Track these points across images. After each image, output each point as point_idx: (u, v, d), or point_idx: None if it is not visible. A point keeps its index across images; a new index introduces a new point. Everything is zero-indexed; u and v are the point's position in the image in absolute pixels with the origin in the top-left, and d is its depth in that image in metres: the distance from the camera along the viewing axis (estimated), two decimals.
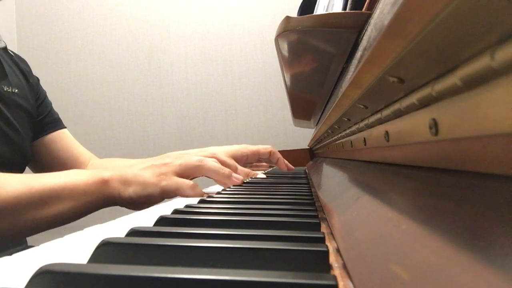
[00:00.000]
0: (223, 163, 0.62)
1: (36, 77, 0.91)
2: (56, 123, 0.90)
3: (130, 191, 0.53)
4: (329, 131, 0.64)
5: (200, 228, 0.26)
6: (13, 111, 0.77)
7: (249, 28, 1.76)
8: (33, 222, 0.47)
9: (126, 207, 0.55)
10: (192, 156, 0.60)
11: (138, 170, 0.56)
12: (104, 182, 0.52)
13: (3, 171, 0.48)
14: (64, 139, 0.89)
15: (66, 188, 0.48)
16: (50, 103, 0.92)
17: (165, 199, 0.56)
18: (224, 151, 0.72)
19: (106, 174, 0.52)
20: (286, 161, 0.85)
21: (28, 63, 0.92)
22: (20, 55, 0.90)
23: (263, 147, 0.81)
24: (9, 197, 0.45)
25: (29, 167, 0.87)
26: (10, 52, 0.86)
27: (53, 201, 0.47)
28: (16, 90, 0.79)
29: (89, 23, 1.86)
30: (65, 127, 0.93)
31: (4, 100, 0.75)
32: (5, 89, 0.76)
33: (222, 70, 1.78)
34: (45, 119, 0.88)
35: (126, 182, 0.53)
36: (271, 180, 0.77)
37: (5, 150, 0.73)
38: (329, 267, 0.20)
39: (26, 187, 0.46)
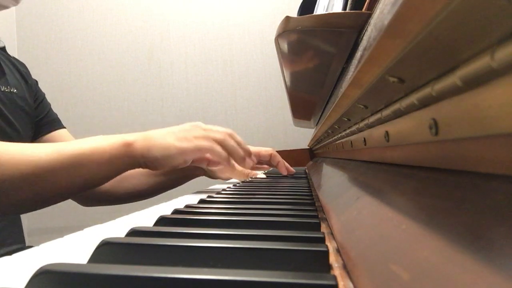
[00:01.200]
0: (239, 144, 0.63)
1: (34, 79, 0.92)
2: (54, 123, 0.90)
3: (154, 152, 0.56)
4: (329, 131, 0.64)
5: (200, 228, 0.26)
6: (12, 111, 0.77)
7: (249, 28, 1.76)
8: (65, 185, 0.50)
9: (149, 168, 0.58)
10: (216, 129, 0.61)
11: (162, 134, 0.58)
12: (128, 145, 0.55)
13: None
14: (63, 138, 0.89)
15: (94, 152, 0.52)
16: (49, 104, 0.93)
17: (166, 200, 0.56)
18: None
19: (130, 137, 0.56)
20: (287, 164, 0.85)
21: (28, 63, 0.92)
22: (20, 55, 0.91)
23: (264, 149, 0.81)
24: (44, 162, 0.48)
25: None
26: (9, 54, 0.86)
27: (83, 165, 0.50)
28: (15, 90, 0.79)
29: (89, 23, 1.85)
30: (64, 127, 0.93)
31: (2, 99, 0.75)
32: (3, 89, 0.76)
33: (222, 70, 1.78)
34: (43, 119, 0.88)
35: (149, 144, 0.56)
36: (271, 180, 0.77)
37: None
38: (329, 267, 0.20)
39: (58, 153, 0.49)
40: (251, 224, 0.29)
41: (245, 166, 0.63)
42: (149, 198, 0.86)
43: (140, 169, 0.61)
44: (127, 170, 0.56)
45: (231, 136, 0.62)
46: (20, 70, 0.86)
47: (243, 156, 0.61)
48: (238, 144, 0.62)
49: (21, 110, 0.79)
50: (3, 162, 0.46)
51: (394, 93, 0.22)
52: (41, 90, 0.92)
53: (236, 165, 0.76)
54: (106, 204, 0.87)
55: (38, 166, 0.47)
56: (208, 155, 0.61)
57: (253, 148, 0.78)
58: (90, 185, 0.53)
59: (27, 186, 0.47)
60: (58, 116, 0.94)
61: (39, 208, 0.52)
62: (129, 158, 0.55)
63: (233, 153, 0.60)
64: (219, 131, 0.61)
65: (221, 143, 0.59)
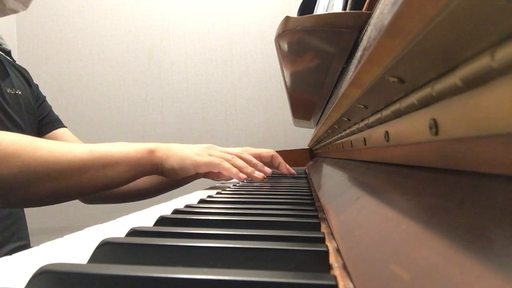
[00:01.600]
0: (248, 162, 0.73)
1: (35, 83, 0.94)
2: (55, 123, 0.93)
3: (171, 161, 0.63)
4: (329, 131, 0.64)
5: (200, 228, 0.26)
6: (17, 112, 0.79)
7: (249, 28, 1.76)
8: (94, 182, 0.55)
9: (164, 176, 0.65)
10: (229, 150, 0.72)
11: (180, 146, 0.66)
12: (151, 152, 0.61)
13: None
14: (64, 137, 0.91)
15: (121, 155, 0.57)
16: (50, 106, 0.95)
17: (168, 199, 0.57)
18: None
19: (152, 145, 0.62)
20: (287, 166, 0.86)
21: (28, 64, 0.94)
22: (20, 55, 0.92)
23: (265, 151, 0.83)
24: (77, 159, 0.53)
25: None
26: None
27: (111, 165, 0.56)
28: (19, 92, 0.81)
29: (89, 23, 1.85)
30: (65, 127, 0.94)
31: (8, 101, 0.77)
32: (8, 91, 0.79)
33: (222, 70, 1.78)
34: (45, 119, 0.90)
35: (169, 154, 0.63)
36: (271, 180, 0.77)
37: None
38: (329, 267, 0.20)
39: (89, 152, 0.54)
40: (251, 224, 0.29)
41: (257, 176, 0.71)
42: (149, 198, 0.87)
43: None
44: (146, 175, 0.62)
45: (241, 154, 0.72)
46: (24, 74, 0.89)
47: (250, 172, 0.70)
48: (248, 161, 0.72)
49: (25, 111, 0.82)
50: (43, 156, 0.50)
51: (394, 93, 0.22)
52: (41, 93, 0.95)
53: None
54: (108, 202, 0.89)
55: (73, 161, 0.52)
56: (218, 171, 0.68)
57: (254, 150, 0.80)
58: (112, 185, 0.58)
59: (61, 179, 0.52)
60: (59, 117, 0.95)
61: (64, 201, 0.57)
62: (150, 164, 0.61)
63: (241, 170, 0.69)
64: (230, 151, 0.72)
65: (230, 161, 0.68)
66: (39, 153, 0.50)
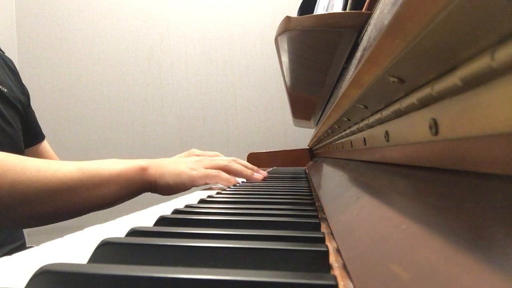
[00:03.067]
0: (244, 166, 0.73)
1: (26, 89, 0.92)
2: (40, 136, 0.92)
3: (166, 178, 0.61)
4: (329, 131, 0.64)
5: (200, 228, 0.26)
6: (7, 108, 0.77)
7: (249, 28, 1.76)
8: (85, 201, 0.53)
9: (160, 193, 0.63)
10: (219, 159, 0.72)
11: (173, 161, 0.65)
12: (143, 169, 0.59)
13: None
14: (47, 150, 0.92)
15: (112, 173, 0.55)
16: (33, 113, 0.92)
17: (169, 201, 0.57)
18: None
19: (143, 162, 0.60)
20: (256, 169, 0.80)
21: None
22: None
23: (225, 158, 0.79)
24: (67, 178, 0.51)
25: None
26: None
27: (102, 184, 0.54)
28: (5, 90, 0.79)
29: (89, 23, 1.85)
30: (44, 136, 0.94)
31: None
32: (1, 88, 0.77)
33: (222, 70, 1.78)
34: (32, 130, 0.89)
35: (162, 171, 0.61)
36: (271, 180, 0.77)
37: (4, 145, 0.74)
38: (329, 267, 0.20)
39: (80, 170, 0.52)
40: (251, 224, 0.29)
41: (257, 180, 0.71)
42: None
43: None
44: (139, 194, 0.60)
45: (235, 161, 0.71)
46: (9, 66, 0.86)
47: (250, 174, 0.71)
48: (244, 166, 0.72)
49: (12, 108, 0.80)
50: (32, 177, 0.48)
51: (394, 93, 0.22)
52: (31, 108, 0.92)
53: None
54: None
55: (62, 182, 0.50)
56: (217, 182, 0.68)
57: (240, 160, 0.78)
58: (105, 205, 0.56)
59: (50, 200, 0.50)
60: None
61: (54, 222, 0.54)
62: (143, 182, 0.59)
63: (239, 174, 0.70)
64: (223, 159, 0.71)
65: (226, 168, 0.68)
66: (28, 173, 0.48)
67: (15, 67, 0.89)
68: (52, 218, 0.53)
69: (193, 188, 0.81)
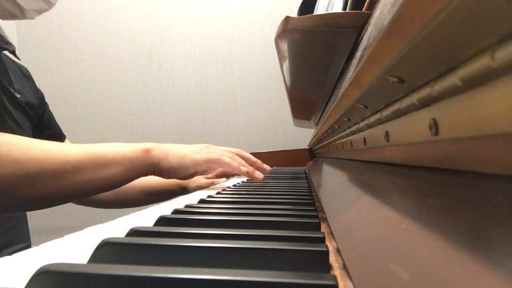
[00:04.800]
0: (247, 159, 0.73)
1: (42, 93, 0.92)
2: (61, 137, 0.93)
3: (170, 160, 0.61)
4: (329, 131, 0.64)
5: (200, 228, 0.26)
6: (19, 113, 0.79)
7: (249, 28, 1.76)
8: (89, 182, 0.53)
9: (163, 177, 0.63)
10: (225, 149, 0.72)
11: (177, 145, 0.65)
12: (147, 151, 0.59)
13: None
14: None
15: (116, 155, 0.55)
16: (53, 116, 0.94)
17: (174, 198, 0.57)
18: None
19: (148, 144, 0.60)
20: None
21: (28, 63, 0.93)
22: (20, 55, 0.91)
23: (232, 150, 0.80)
24: (71, 158, 0.51)
25: None
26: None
27: (106, 165, 0.54)
28: (19, 95, 0.80)
29: (89, 23, 1.85)
30: (65, 137, 0.95)
31: (12, 103, 0.77)
32: (14, 93, 0.78)
33: (222, 70, 1.78)
34: (52, 133, 0.90)
35: (166, 152, 0.61)
36: (271, 180, 0.77)
37: None
38: (329, 267, 0.20)
39: (84, 151, 0.53)
40: (251, 224, 0.29)
41: (257, 176, 0.71)
42: (141, 205, 0.88)
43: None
44: (142, 176, 0.60)
45: (239, 152, 0.72)
46: (24, 73, 0.88)
47: (251, 171, 0.70)
48: (247, 159, 0.72)
49: (25, 113, 0.82)
50: (36, 156, 0.48)
51: (394, 93, 0.22)
52: (46, 103, 0.93)
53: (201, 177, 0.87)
54: (99, 207, 0.90)
55: (67, 161, 0.50)
56: (219, 166, 0.68)
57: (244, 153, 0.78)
58: (108, 186, 0.56)
59: (54, 180, 0.50)
60: (55, 117, 0.95)
61: (57, 204, 0.55)
62: (147, 164, 0.59)
63: (237, 171, 0.68)
64: (228, 150, 0.71)
65: (231, 163, 0.67)
66: (32, 152, 0.48)
67: (29, 73, 0.91)
68: (55, 199, 0.53)
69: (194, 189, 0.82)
